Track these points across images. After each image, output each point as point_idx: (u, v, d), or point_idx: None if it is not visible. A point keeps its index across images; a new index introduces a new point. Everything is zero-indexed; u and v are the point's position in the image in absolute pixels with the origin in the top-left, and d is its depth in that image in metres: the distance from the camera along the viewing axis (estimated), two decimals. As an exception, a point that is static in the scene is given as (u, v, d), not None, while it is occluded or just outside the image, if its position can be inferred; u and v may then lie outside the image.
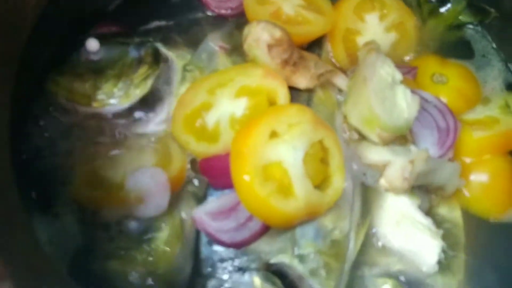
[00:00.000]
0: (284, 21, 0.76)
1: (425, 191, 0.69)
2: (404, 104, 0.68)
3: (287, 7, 0.78)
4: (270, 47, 0.69)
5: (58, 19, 0.70)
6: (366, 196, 0.69)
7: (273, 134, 0.61)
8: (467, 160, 0.72)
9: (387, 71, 0.69)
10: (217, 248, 0.64)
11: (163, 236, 0.66)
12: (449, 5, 0.85)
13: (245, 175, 0.59)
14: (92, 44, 0.73)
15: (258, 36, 0.68)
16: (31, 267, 0.44)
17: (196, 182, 0.70)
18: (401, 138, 0.70)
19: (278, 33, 0.68)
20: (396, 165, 0.64)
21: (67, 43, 0.74)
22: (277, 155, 0.61)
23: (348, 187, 0.68)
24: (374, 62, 0.70)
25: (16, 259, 0.44)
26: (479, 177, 0.72)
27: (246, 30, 0.70)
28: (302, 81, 0.72)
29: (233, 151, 0.61)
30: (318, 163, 0.64)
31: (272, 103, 0.68)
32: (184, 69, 0.76)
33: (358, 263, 0.66)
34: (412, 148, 0.66)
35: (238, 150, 0.61)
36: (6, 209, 0.45)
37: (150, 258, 0.64)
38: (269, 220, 0.61)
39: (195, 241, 0.66)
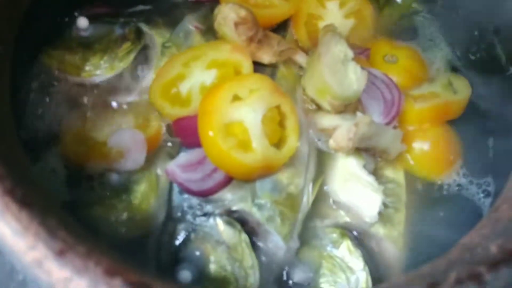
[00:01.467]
0: (252, 4, 0.85)
1: (371, 154, 0.79)
2: (354, 78, 0.77)
3: (255, -8, 0.88)
4: (236, 24, 0.78)
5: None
6: (320, 159, 0.79)
7: (236, 98, 0.71)
8: (410, 128, 0.82)
9: (340, 49, 0.79)
10: (187, 196, 0.72)
11: (140, 188, 0.75)
12: (402, -5, 0.96)
13: (210, 131, 0.68)
14: (82, 22, 0.83)
15: (226, 14, 0.78)
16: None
17: (170, 143, 0.79)
18: (352, 108, 0.80)
19: (243, 12, 0.77)
20: (342, 128, 0.74)
21: (60, 22, 0.84)
22: (239, 116, 0.70)
23: (304, 150, 0.77)
24: (329, 41, 0.79)
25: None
26: (419, 144, 0.81)
27: (216, 10, 0.79)
28: (265, 57, 0.81)
29: (200, 111, 0.71)
30: (275, 125, 0.73)
31: (238, 74, 0.78)
32: (163, 45, 0.85)
33: (311, 215, 0.75)
34: (358, 114, 0.75)
35: (205, 109, 0.70)
36: (9, 149, 0.53)
37: (129, 206, 0.74)
38: (231, 172, 0.71)
39: (168, 191, 0.75)
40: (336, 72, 0.77)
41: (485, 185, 0.80)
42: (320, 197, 0.77)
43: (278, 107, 0.74)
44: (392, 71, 0.85)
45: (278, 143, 0.73)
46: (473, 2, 0.84)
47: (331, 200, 0.77)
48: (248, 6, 0.83)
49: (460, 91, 0.84)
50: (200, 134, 0.70)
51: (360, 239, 0.76)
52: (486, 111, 0.85)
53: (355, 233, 0.76)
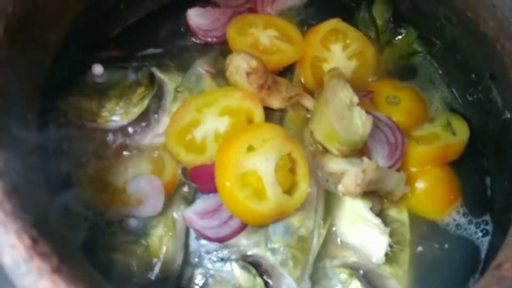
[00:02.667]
0: (261, 50, 0.90)
1: (376, 196, 0.83)
2: (359, 123, 0.82)
3: (264, 38, 0.91)
4: (248, 74, 0.81)
5: (72, 47, 0.82)
6: (328, 200, 0.82)
7: (250, 148, 0.74)
8: (413, 169, 0.86)
9: (346, 95, 0.83)
10: (204, 242, 0.76)
11: (157, 232, 0.78)
12: (402, 36, 1.00)
13: (227, 182, 0.72)
14: (97, 68, 0.86)
15: (238, 65, 0.81)
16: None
17: (186, 187, 0.83)
18: (357, 151, 0.84)
19: (254, 63, 0.81)
20: (351, 173, 0.78)
21: (76, 67, 0.87)
22: (253, 165, 0.74)
23: (313, 192, 0.81)
24: (335, 87, 0.83)
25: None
26: (422, 185, 0.85)
27: (228, 59, 0.83)
28: (275, 103, 0.85)
29: (217, 162, 0.74)
30: (287, 172, 0.76)
31: (250, 121, 0.82)
32: (176, 90, 0.88)
33: (321, 256, 0.79)
34: (365, 159, 0.79)
35: (221, 160, 0.74)
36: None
37: (147, 251, 0.77)
38: (247, 219, 0.74)
39: (185, 236, 0.78)
40: (343, 118, 0.81)
41: (483, 224, 0.84)
42: (329, 238, 0.81)
43: (289, 154, 0.77)
44: (394, 113, 0.89)
45: (289, 189, 0.76)
46: (469, 47, 0.88)
47: (339, 241, 0.81)
48: (257, 53, 0.87)
49: (459, 132, 0.88)
50: (217, 184, 0.73)
51: (368, 278, 0.80)
52: (483, 152, 0.90)
53: (362, 272, 0.80)
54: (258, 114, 0.81)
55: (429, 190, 0.85)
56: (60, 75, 0.81)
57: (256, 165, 0.74)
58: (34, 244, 0.45)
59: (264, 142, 0.75)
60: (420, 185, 0.85)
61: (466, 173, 0.88)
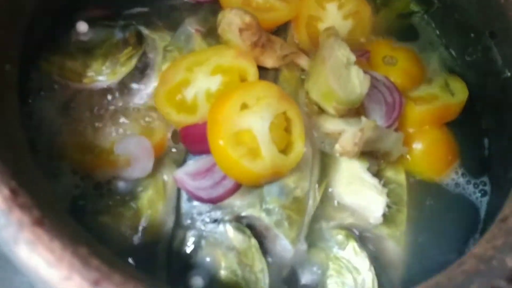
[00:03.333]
0: (254, 8, 0.86)
1: (374, 157, 0.81)
2: (357, 82, 0.79)
3: (257, -5, 0.88)
4: (241, 30, 0.78)
5: (52, 5, 0.78)
6: (324, 161, 0.80)
7: (244, 106, 0.71)
8: (410, 130, 0.84)
9: (342, 53, 0.80)
10: (196, 203, 0.73)
11: (147, 195, 0.75)
12: (399, -5, 0.97)
13: (220, 140, 0.69)
14: (82, 26, 0.81)
15: (231, 21, 0.78)
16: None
17: (176, 150, 0.79)
18: (354, 111, 0.81)
19: (248, 18, 0.77)
20: (348, 133, 0.75)
21: (59, 26, 0.82)
22: (247, 124, 0.71)
23: (309, 153, 0.78)
24: (332, 45, 0.80)
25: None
26: (419, 145, 0.83)
27: (220, 15, 0.79)
28: (269, 61, 0.82)
29: (209, 120, 0.71)
30: (282, 131, 0.73)
31: (243, 80, 0.78)
32: (165, 49, 0.84)
33: (317, 217, 0.77)
34: (363, 118, 0.77)
35: (214, 118, 0.71)
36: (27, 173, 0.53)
37: (136, 214, 0.74)
38: (240, 179, 0.72)
39: (176, 198, 0.75)
40: (340, 76, 0.78)
41: (481, 185, 0.83)
42: (325, 200, 0.78)
43: (284, 113, 0.74)
44: (391, 73, 0.87)
45: (285, 149, 0.74)
46: (469, 5, 0.85)
47: (335, 202, 0.79)
48: (250, 10, 0.83)
49: (457, 93, 0.86)
50: (210, 143, 0.70)
51: (364, 239, 0.78)
52: (481, 112, 0.88)
53: (358, 233, 0.78)
54: (252, 73, 0.78)
55: (427, 151, 0.83)
56: (42, 32, 0.77)
57: (250, 124, 0.71)
58: (13, 195, 0.42)
59: (258, 100, 0.72)
60: (417, 146, 0.83)
61: (464, 134, 0.86)
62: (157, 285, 0.43)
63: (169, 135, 0.80)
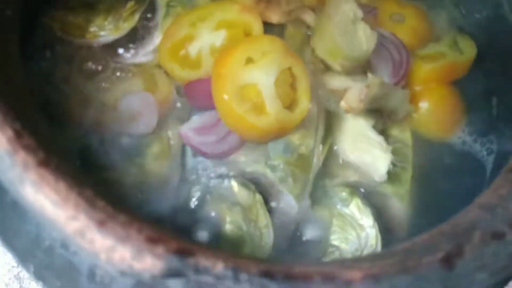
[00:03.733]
0: (258, -39, 0.84)
1: (379, 114, 0.80)
2: (363, 38, 0.78)
3: (262, -50, 0.85)
4: (246, -16, 0.76)
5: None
6: (329, 119, 0.79)
7: (249, 60, 0.70)
8: (417, 88, 0.83)
9: (349, 8, 0.78)
10: (201, 159, 0.73)
11: (152, 151, 0.75)
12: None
13: (224, 95, 0.68)
14: (83, -20, 0.80)
15: (235, -26, 0.76)
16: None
17: (179, 105, 0.79)
18: (361, 68, 0.80)
19: (253, -28, 0.76)
20: (354, 89, 0.74)
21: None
22: (252, 78, 0.70)
23: (314, 110, 0.77)
24: (338, 0, 0.79)
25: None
26: (426, 103, 0.82)
27: (224, -31, 0.78)
28: (274, 17, 0.80)
29: (213, 74, 0.70)
30: (287, 87, 0.73)
31: (248, 35, 0.77)
32: (168, 5, 0.83)
33: (321, 175, 0.77)
34: (369, 75, 0.75)
35: (218, 73, 0.70)
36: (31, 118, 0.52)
37: (141, 170, 0.74)
38: (245, 134, 0.71)
39: (181, 155, 0.75)
40: (347, 32, 0.77)
41: (488, 143, 0.82)
42: (330, 157, 0.78)
43: (289, 69, 0.73)
44: (399, 31, 0.85)
45: (290, 105, 0.73)
46: (480, -41, 0.83)
47: (340, 160, 0.79)
48: (254, -37, 0.81)
49: (465, 51, 0.84)
50: (214, 98, 0.70)
51: (369, 197, 0.78)
52: (490, 71, 0.87)
53: (363, 190, 0.78)
54: (257, 28, 0.77)
55: (433, 109, 0.82)
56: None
57: (255, 78, 0.70)
58: (18, 136, 0.42)
59: (263, 54, 0.71)
60: (424, 104, 0.82)
61: (472, 92, 0.85)
62: (161, 227, 0.43)
63: (174, 90, 0.79)
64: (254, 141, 0.73)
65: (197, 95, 0.74)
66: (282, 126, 0.71)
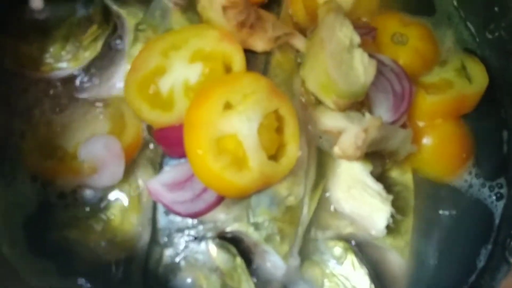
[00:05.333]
0: (241, -23, 0.73)
1: (378, 156, 0.71)
2: (361, 68, 0.68)
3: (244, -39, 0.74)
4: (225, 9, 0.66)
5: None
6: (321, 160, 0.70)
7: (227, 106, 0.60)
8: (420, 124, 0.73)
9: (345, 34, 0.68)
10: (174, 217, 0.64)
11: (119, 204, 0.66)
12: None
13: (198, 149, 0.59)
14: (36, 1, 0.68)
15: (212, -3, 0.65)
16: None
17: (152, 147, 0.70)
18: (357, 102, 0.71)
19: (233, -5, 0.65)
20: (349, 133, 0.65)
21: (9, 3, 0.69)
22: (231, 127, 0.60)
23: (304, 153, 0.68)
24: (332, 24, 0.69)
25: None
26: (430, 141, 0.73)
27: (200, -10, 0.66)
28: (259, 44, 0.70)
29: (186, 124, 0.60)
30: (272, 133, 0.63)
31: (227, 69, 0.67)
32: (137, 28, 0.72)
33: (311, 226, 0.68)
34: (367, 115, 0.66)
35: (191, 122, 0.60)
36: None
37: (107, 227, 0.65)
38: (224, 192, 0.62)
39: (152, 209, 0.66)
40: (341, 63, 0.67)
41: (497, 187, 0.73)
42: (321, 206, 0.70)
43: (275, 111, 0.64)
44: (401, 54, 0.76)
45: (275, 154, 0.64)
46: (495, -26, 0.72)
47: (332, 208, 0.70)
48: (237, -20, 0.70)
49: (475, 79, 0.75)
50: (187, 152, 0.60)
51: (364, 250, 0.70)
52: (502, 101, 0.77)
53: (357, 243, 0.70)
54: (238, 60, 0.66)
55: (439, 148, 0.73)
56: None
57: (235, 127, 0.60)
58: None
59: (245, 97, 0.61)
60: (428, 142, 0.73)
61: (480, 125, 0.76)
62: None
63: (144, 129, 0.69)
64: (235, 197, 0.64)
65: (169, 143, 0.65)
66: (267, 180, 0.62)
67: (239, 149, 0.60)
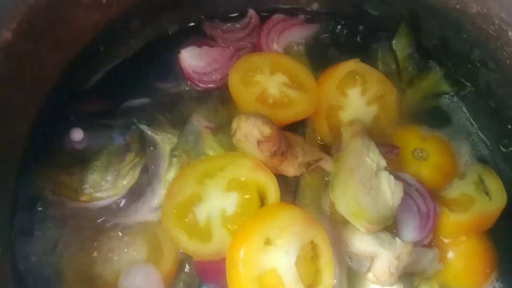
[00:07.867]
0: (270, 105, 0.77)
1: (407, 275, 0.73)
2: (388, 192, 0.71)
3: (272, 87, 0.78)
4: (259, 143, 0.69)
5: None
6: (351, 280, 0.72)
7: (267, 242, 0.63)
8: (445, 240, 0.76)
9: (372, 158, 0.72)
10: None
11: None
12: (426, 75, 0.87)
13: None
14: (76, 134, 0.71)
15: (248, 132, 0.68)
16: None
17: (187, 268, 0.71)
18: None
19: (268, 130, 0.68)
20: (382, 261, 0.67)
21: (51, 130, 0.72)
22: (271, 263, 0.62)
23: (335, 272, 0.70)
24: (359, 149, 0.72)
25: None
26: (455, 257, 0.75)
27: (235, 124, 0.69)
28: (290, 170, 0.72)
29: (228, 261, 0.62)
30: (309, 262, 0.65)
31: (261, 197, 0.69)
32: (171, 154, 0.75)
33: None
34: (398, 240, 0.68)
35: (234, 260, 0.62)
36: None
37: None
38: (266, 326, 0.63)
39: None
40: (370, 189, 0.70)
41: (522, 300, 0.75)
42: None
43: (311, 242, 0.66)
44: (423, 169, 0.80)
45: (312, 283, 0.65)
46: (509, 97, 0.77)
47: (364, 332, 0.71)
48: (266, 107, 0.75)
49: (494, 196, 0.78)
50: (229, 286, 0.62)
51: None
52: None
53: None
54: (273, 192, 0.68)
55: (463, 264, 0.76)
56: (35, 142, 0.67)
57: (274, 262, 0.62)
58: None
59: (282, 231, 0.63)
60: (453, 258, 0.76)
61: (501, 238, 0.78)
62: None
63: (180, 256, 0.71)
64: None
65: (208, 275, 0.67)
66: (305, 311, 0.64)
67: (279, 284, 0.62)
